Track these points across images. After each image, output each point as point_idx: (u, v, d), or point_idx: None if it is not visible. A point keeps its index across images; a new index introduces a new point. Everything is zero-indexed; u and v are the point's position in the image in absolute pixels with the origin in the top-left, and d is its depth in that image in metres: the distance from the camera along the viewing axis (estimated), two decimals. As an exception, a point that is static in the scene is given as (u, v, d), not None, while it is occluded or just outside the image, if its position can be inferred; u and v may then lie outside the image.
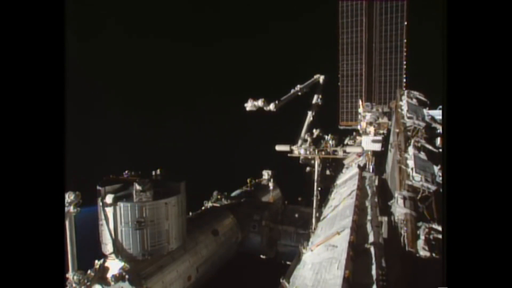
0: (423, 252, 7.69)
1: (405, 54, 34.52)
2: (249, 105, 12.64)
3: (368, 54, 35.94)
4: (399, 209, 9.35)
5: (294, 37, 46.27)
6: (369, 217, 10.24)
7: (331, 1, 35.93)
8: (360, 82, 36.75)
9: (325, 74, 17.82)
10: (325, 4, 38.69)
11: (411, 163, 10.88)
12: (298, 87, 15.58)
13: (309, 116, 17.52)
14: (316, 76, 17.36)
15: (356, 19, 35.39)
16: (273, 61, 44.54)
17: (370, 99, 35.39)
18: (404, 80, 34.69)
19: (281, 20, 46.62)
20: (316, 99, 17.46)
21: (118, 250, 9.97)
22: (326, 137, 26.08)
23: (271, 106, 12.94)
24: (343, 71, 37.18)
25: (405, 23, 33.86)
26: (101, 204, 10.04)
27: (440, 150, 11.98)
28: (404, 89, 20.57)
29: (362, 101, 28.63)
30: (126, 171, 11.37)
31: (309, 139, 15.06)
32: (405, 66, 34.68)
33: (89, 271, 9.46)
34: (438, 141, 12.74)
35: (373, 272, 6.76)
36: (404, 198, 9.56)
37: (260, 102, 12.61)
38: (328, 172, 25.19)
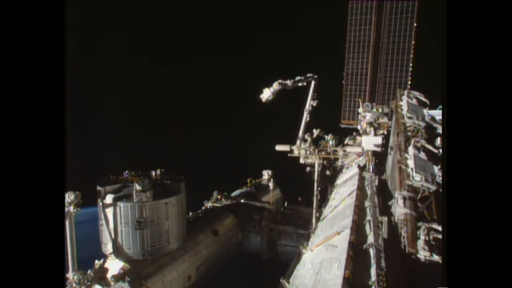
0: (423, 252, 7.70)
1: (412, 56, 33.82)
2: (266, 95, 12.47)
3: (375, 53, 35.39)
4: (399, 209, 9.36)
5: (295, 36, 46.19)
6: (369, 217, 10.22)
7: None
8: (364, 82, 36.28)
9: (327, 72, 17.91)
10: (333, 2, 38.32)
11: (411, 163, 10.89)
12: (298, 78, 15.75)
13: (306, 116, 17.55)
14: (309, 75, 17.37)
15: (365, 17, 34.81)
16: (273, 61, 44.52)
17: (373, 99, 35.01)
18: (409, 82, 34.22)
19: (283, 18, 46.59)
20: (310, 99, 17.50)
21: (118, 250, 9.98)
22: (326, 137, 26.06)
23: (288, 82, 12.97)
24: (348, 69, 36.62)
25: (415, 24, 32.96)
26: (101, 204, 10.05)
27: (440, 150, 11.99)
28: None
29: (361, 101, 28.53)
30: (126, 171, 11.38)
31: (309, 139, 15.08)
32: (411, 68, 34.03)
33: (89, 271, 9.46)
34: (438, 141, 12.75)
35: (373, 272, 6.76)
36: (404, 198, 9.57)
37: (276, 86, 12.52)
38: (328, 172, 25.17)
